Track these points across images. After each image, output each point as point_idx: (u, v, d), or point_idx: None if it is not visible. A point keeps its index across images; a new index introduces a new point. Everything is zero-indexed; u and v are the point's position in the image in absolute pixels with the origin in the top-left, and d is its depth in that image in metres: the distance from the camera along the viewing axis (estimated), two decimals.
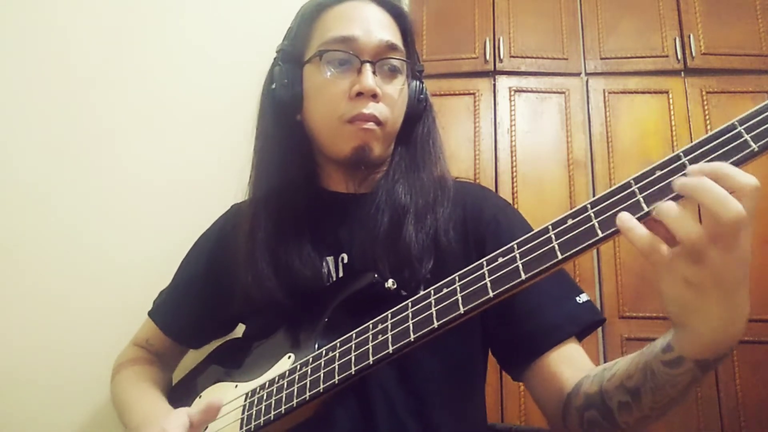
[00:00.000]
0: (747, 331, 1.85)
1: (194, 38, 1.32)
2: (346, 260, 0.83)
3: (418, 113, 0.89)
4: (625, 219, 0.49)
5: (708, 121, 1.99)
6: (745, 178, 0.45)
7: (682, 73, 2.07)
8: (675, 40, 2.08)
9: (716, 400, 1.78)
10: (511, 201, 1.97)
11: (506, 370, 0.84)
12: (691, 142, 0.48)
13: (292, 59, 0.85)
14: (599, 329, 1.90)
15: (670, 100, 2.04)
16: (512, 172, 2.03)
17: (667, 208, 0.47)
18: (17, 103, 1.15)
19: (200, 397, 0.87)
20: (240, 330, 1.02)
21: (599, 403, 0.64)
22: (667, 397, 0.57)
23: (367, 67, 0.80)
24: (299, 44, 0.85)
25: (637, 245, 0.49)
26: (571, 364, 0.74)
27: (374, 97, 0.80)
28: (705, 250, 0.46)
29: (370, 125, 0.80)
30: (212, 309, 0.95)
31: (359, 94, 0.79)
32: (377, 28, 0.82)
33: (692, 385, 0.56)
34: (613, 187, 0.51)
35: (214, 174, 1.23)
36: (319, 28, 0.84)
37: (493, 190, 1.97)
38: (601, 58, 2.12)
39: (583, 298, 0.79)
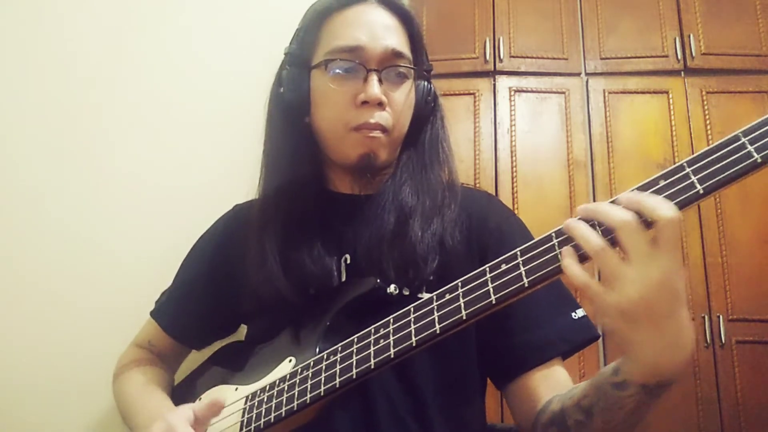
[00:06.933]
0: (747, 331, 1.84)
1: (195, 41, 1.32)
2: (348, 261, 0.83)
3: (426, 114, 0.89)
4: (567, 264, 0.53)
5: (708, 121, 1.99)
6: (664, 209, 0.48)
7: (682, 73, 2.06)
8: (675, 40, 2.08)
9: (716, 400, 1.78)
10: (511, 201, 1.97)
11: (491, 379, 0.85)
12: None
13: (299, 63, 0.85)
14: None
15: (670, 100, 2.03)
16: (512, 172, 2.03)
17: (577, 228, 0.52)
18: (18, 105, 1.14)
19: (200, 400, 0.87)
20: (242, 332, 1.02)
21: (560, 421, 0.68)
22: (616, 419, 0.60)
23: (373, 76, 0.80)
24: (306, 48, 0.85)
25: (575, 282, 0.52)
26: (550, 383, 0.76)
27: (380, 105, 0.80)
28: (618, 269, 0.50)
29: (376, 133, 0.80)
30: (215, 309, 0.95)
31: (365, 102, 0.79)
32: (383, 34, 0.82)
33: (640, 408, 0.58)
34: (615, 198, 0.51)
35: (215, 175, 1.23)
36: (326, 33, 0.84)
37: (493, 190, 1.97)
38: (601, 58, 2.12)
39: (579, 313, 0.79)
